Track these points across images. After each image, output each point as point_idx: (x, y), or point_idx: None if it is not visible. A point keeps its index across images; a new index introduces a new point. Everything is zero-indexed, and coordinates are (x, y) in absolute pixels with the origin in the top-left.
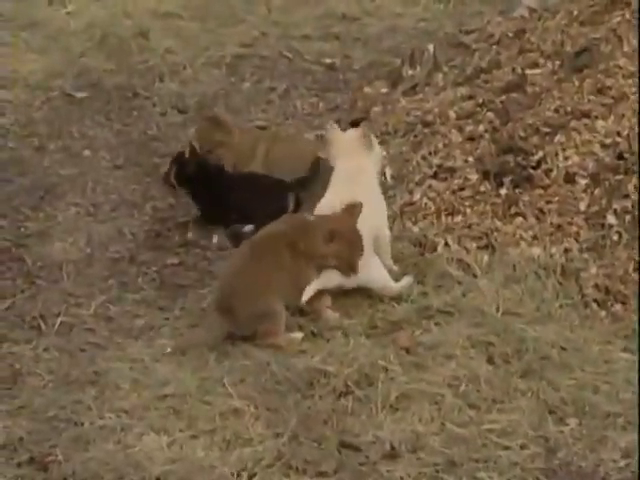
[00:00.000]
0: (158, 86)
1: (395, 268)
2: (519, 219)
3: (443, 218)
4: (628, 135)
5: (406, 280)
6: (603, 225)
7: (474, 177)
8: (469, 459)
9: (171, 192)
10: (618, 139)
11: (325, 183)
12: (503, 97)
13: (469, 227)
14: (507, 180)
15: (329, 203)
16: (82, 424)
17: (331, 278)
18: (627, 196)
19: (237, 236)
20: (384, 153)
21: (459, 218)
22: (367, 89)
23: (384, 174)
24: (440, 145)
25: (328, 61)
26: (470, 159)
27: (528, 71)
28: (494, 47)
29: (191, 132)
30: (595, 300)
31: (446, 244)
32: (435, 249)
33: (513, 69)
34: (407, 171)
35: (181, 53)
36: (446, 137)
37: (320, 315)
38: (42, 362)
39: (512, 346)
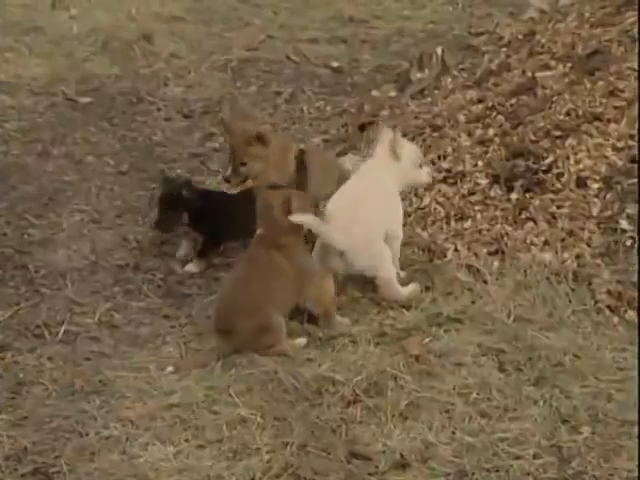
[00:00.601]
0: (163, 91)
1: (402, 274)
2: (530, 224)
3: (453, 223)
4: None
5: (412, 287)
6: (616, 230)
7: (484, 181)
8: (480, 469)
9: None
10: (631, 142)
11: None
12: (513, 100)
13: (479, 232)
14: (518, 184)
15: (338, 197)
16: (87, 434)
17: (336, 263)
18: None
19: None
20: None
21: (469, 223)
22: (375, 93)
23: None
24: (449, 149)
25: (335, 64)
26: (480, 163)
27: (538, 74)
28: (504, 50)
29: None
30: (608, 306)
31: (456, 250)
32: (445, 255)
33: (523, 72)
34: None
35: (186, 57)
36: (455, 141)
37: (330, 318)
38: (46, 371)
39: (524, 353)
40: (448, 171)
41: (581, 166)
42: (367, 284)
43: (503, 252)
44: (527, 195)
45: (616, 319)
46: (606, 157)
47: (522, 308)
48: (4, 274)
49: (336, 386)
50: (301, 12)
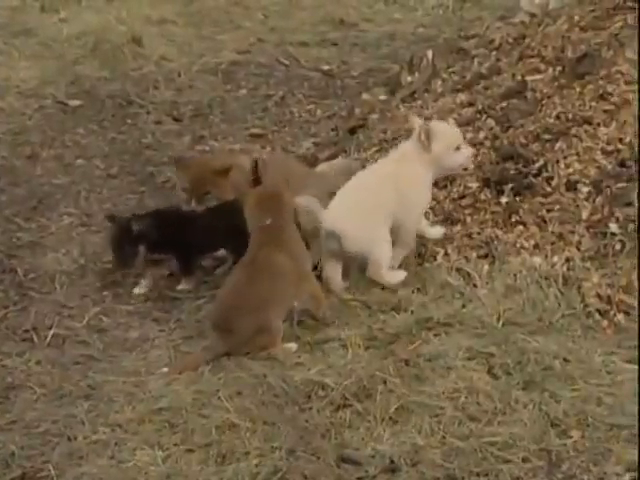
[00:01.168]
0: (152, 94)
1: (396, 268)
2: (520, 228)
3: (443, 227)
4: (630, 142)
5: (399, 274)
6: (605, 234)
7: (474, 185)
8: (470, 473)
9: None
10: (620, 146)
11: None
12: (503, 104)
13: (469, 236)
14: (508, 188)
15: (362, 176)
16: (75, 438)
17: (334, 247)
18: (630, 204)
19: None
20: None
21: (459, 227)
22: (365, 96)
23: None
24: None
25: (325, 68)
26: (470, 167)
27: (528, 77)
28: (494, 53)
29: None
30: (597, 310)
31: (446, 253)
32: (435, 258)
33: (513, 75)
34: None
35: (176, 60)
36: None
37: (322, 303)
38: (34, 375)
39: (513, 357)
40: None
41: (571, 170)
42: (356, 288)
43: (493, 256)
44: (517, 198)
45: (605, 323)
46: (596, 161)
47: (512, 312)
48: None
49: (325, 390)
50: (291, 15)
